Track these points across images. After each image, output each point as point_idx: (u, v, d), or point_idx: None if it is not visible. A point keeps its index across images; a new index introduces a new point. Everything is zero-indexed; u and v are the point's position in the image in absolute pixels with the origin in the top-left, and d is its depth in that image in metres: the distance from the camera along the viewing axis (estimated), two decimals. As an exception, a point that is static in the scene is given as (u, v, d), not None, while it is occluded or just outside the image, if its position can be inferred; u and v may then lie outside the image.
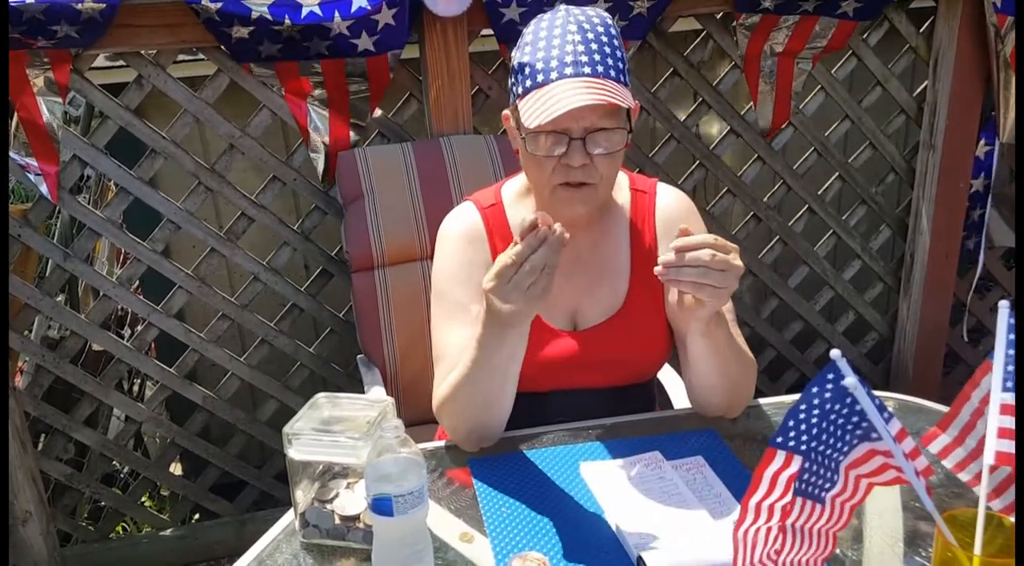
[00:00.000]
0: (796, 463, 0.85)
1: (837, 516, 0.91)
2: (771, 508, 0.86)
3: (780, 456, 0.85)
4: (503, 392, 1.24)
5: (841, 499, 0.91)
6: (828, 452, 0.86)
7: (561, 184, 1.23)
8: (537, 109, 1.17)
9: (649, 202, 1.39)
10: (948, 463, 0.96)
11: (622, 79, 1.21)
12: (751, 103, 2.28)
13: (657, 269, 1.12)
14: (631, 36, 2.03)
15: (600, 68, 1.18)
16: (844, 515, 0.91)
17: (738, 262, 1.14)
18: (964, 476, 0.95)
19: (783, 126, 2.29)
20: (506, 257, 1.08)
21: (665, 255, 1.12)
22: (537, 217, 1.08)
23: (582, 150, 1.19)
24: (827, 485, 0.88)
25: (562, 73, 1.17)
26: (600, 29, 1.20)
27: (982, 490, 0.88)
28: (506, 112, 1.32)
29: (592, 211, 1.31)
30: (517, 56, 1.24)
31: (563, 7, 1.23)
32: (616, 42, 1.22)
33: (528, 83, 1.20)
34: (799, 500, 0.86)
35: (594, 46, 1.19)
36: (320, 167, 2.01)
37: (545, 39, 1.21)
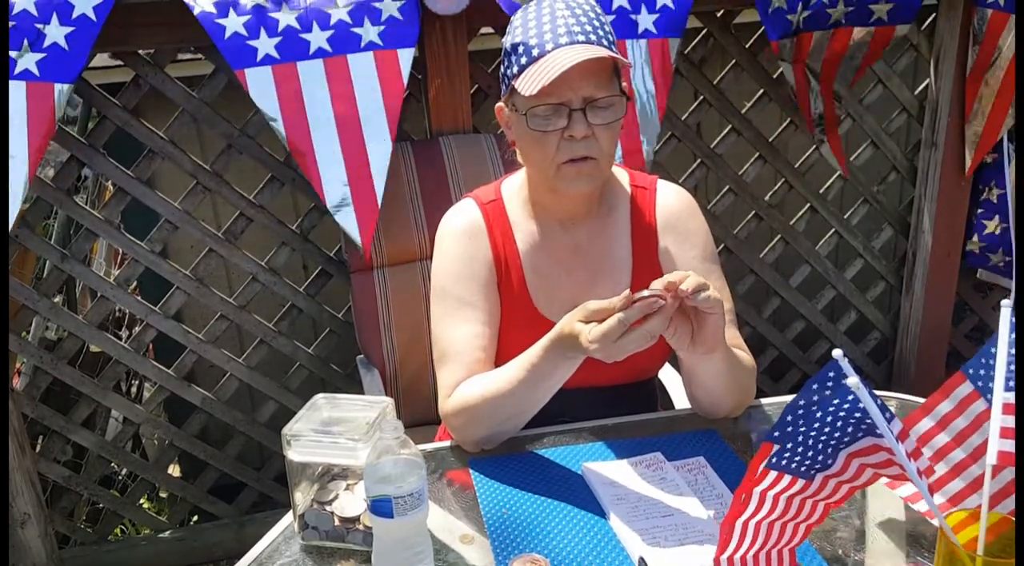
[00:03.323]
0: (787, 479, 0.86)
1: (830, 491, 0.91)
2: (763, 494, 0.86)
3: (775, 448, 0.85)
4: (535, 408, 1.25)
5: (839, 479, 0.90)
6: (823, 438, 0.86)
7: (565, 162, 1.24)
8: (537, 77, 1.19)
9: (650, 198, 1.39)
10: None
11: (613, 49, 1.24)
12: (751, 102, 2.27)
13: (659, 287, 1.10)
14: (668, 33, 1.98)
15: (593, 37, 1.22)
16: (839, 492, 0.91)
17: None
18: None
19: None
20: (615, 321, 1.08)
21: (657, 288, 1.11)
22: (658, 291, 1.09)
23: (584, 120, 1.21)
24: (817, 466, 0.88)
25: (557, 43, 1.21)
26: (587, 7, 1.25)
27: (984, 489, 0.87)
28: (499, 105, 1.32)
29: (595, 188, 1.32)
30: (508, 40, 1.27)
31: None
32: (603, 17, 1.26)
33: (524, 60, 1.23)
34: (772, 474, 0.86)
35: (583, 19, 1.23)
36: (354, 233, 1.85)
37: (535, 19, 1.24)
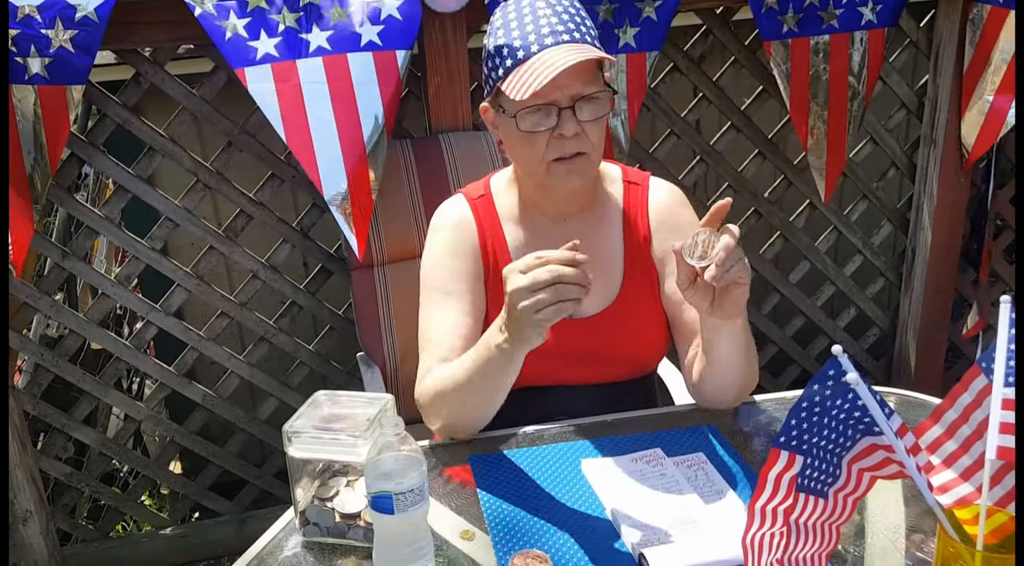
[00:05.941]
0: (798, 463, 0.85)
1: (840, 510, 0.91)
2: (775, 511, 0.86)
3: (783, 457, 0.85)
4: (492, 397, 1.24)
5: (844, 493, 0.91)
6: (830, 447, 0.86)
7: (556, 159, 1.24)
8: (527, 80, 1.18)
9: (642, 195, 1.39)
10: (936, 458, 0.96)
11: (596, 45, 1.24)
12: (750, 99, 2.27)
13: (711, 273, 1.12)
14: (648, 47, 2.00)
15: (577, 35, 1.22)
16: (848, 509, 0.91)
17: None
18: (950, 474, 0.95)
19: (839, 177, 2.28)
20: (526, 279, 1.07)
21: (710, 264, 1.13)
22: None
23: (573, 118, 1.21)
24: (829, 479, 0.88)
25: (543, 44, 1.20)
26: (566, 3, 1.24)
27: (984, 485, 0.87)
28: (484, 105, 1.33)
29: (587, 183, 1.32)
30: (490, 42, 1.27)
31: None
32: (584, 13, 1.26)
33: (509, 62, 1.22)
34: (802, 497, 0.86)
35: (565, 16, 1.23)
36: (349, 232, 1.86)
37: (516, 19, 1.23)
